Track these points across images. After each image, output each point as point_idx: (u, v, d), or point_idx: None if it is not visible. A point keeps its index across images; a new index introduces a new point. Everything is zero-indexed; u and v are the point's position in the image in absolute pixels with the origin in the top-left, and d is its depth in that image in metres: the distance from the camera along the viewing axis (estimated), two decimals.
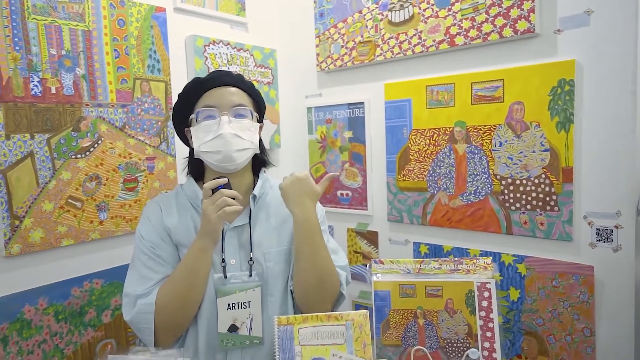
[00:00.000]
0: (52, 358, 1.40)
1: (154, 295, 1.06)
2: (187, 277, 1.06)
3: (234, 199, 1.04)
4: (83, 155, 1.46)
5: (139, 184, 1.61)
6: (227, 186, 1.05)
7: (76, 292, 1.45)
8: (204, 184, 1.19)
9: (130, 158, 1.58)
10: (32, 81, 1.34)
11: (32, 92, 1.34)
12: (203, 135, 1.10)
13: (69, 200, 1.43)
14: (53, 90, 1.39)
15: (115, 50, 1.54)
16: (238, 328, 1.11)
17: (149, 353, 0.93)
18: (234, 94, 1.13)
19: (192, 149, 1.18)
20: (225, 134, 1.07)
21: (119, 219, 1.55)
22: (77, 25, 1.44)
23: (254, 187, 1.20)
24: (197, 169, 1.22)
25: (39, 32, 1.35)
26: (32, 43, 1.34)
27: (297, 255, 1.12)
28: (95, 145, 1.49)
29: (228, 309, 1.11)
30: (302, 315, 1.01)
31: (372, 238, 1.94)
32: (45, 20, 1.37)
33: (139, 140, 1.61)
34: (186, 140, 1.22)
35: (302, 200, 1.11)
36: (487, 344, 0.98)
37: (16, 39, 1.31)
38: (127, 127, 1.57)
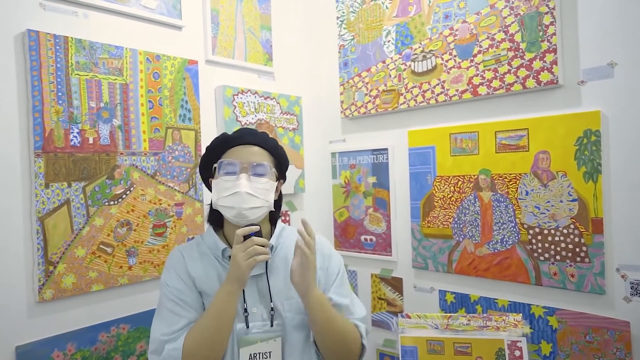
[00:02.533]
0: None
1: (182, 341, 1.09)
2: (215, 321, 1.09)
3: (264, 246, 1.07)
4: (115, 202, 1.51)
5: (168, 229, 1.65)
6: (258, 234, 1.09)
7: (103, 338, 1.47)
8: (223, 233, 1.23)
9: (160, 204, 1.63)
10: (72, 132, 1.42)
11: (72, 143, 1.41)
12: (221, 190, 1.15)
13: (101, 246, 1.47)
14: (91, 141, 1.46)
15: (149, 101, 1.62)
16: None
17: None
18: (255, 153, 1.19)
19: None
20: (241, 192, 1.12)
21: (147, 264, 1.58)
22: (116, 79, 1.53)
23: (270, 236, 1.23)
24: (216, 217, 1.26)
25: (80, 87, 1.44)
26: (74, 97, 1.42)
27: (313, 325, 1.14)
28: (128, 192, 1.54)
29: (250, 358, 1.11)
30: None
31: (396, 285, 1.91)
32: (87, 75, 1.46)
33: (169, 186, 1.66)
34: (211, 189, 1.27)
35: (309, 283, 1.10)
36: None
37: (60, 94, 1.39)
38: (158, 174, 1.63)
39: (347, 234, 2.07)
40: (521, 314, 0.99)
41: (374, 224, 1.98)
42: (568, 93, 1.44)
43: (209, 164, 1.22)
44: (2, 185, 1.29)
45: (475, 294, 1.64)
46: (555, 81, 1.42)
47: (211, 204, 1.26)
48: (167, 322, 1.13)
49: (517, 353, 0.96)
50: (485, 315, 1.02)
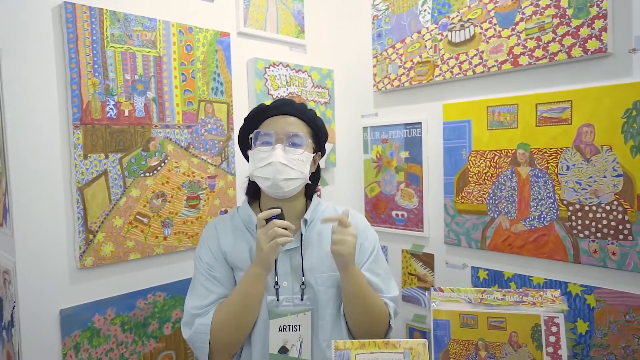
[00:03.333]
0: None
1: (210, 316, 1.11)
2: (241, 301, 1.10)
3: (286, 229, 1.06)
4: (151, 174, 1.54)
5: (201, 201, 1.67)
6: (280, 216, 1.09)
7: (141, 304, 1.52)
8: (259, 205, 1.24)
9: (194, 176, 1.65)
10: (108, 104, 1.44)
11: (108, 115, 1.44)
12: (257, 160, 1.15)
13: (137, 216, 1.51)
14: (126, 113, 1.48)
15: (182, 74, 1.62)
16: (288, 350, 1.13)
17: None
18: (291, 124, 1.17)
19: None
20: (276, 163, 1.11)
21: (182, 234, 1.62)
22: (150, 51, 1.54)
23: (306, 211, 1.22)
24: (254, 189, 1.27)
25: (115, 59, 1.46)
26: (109, 69, 1.44)
27: (346, 301, 1.14)
28: (162, 165, 1.57)
29: (279, 330, 1.13)
30: (360, 340, 1.01)
31: (427, 260, 1.89)
32: (122, 47, 1.47)
33: (202, 159, 1.67)
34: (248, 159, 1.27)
35: (348, 255, 1.10)
36: None
37: (96, 66, 1.41)
38: (191, 147, 1.64)
39: (378, 210, 2.06)
40: (559, 290, 0.97)
41: (406, 200, 1.95)
42: (617, 62, 1.35)
43: (246, 134, 1.22)
44: (43, 156, 1.33)
45: (509, 271, 1.61)
46: (603, 49, 1.34)
47: (249, 177, 1.27)
48: (198, 295, 1.16)
49: (554, 329, 0.94)
50: (521, 290, 0.99)
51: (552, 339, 0.94)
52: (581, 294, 1.43)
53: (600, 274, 1.40)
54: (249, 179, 1.26)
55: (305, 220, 1.20)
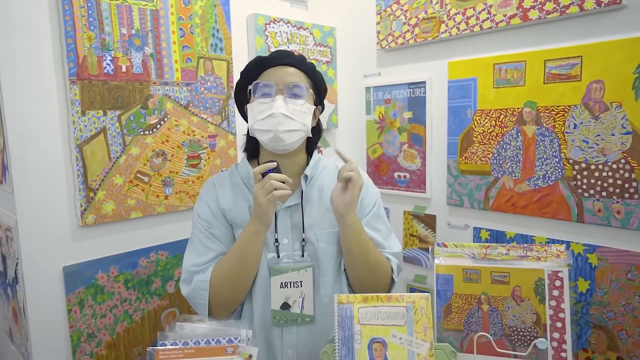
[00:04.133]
0: (122, 322, 1.49)
1: (209, 273, 1.10)
2: (240, 258, 1.09)
3: (283, 182, 1.04)
4: (150, 132, 1.51)
5: (202, 161, 1.65)
6: (276, 170, 1.05)
7: (143, 262, 1.53)
8: (258, 162, 1.21)
9: (194, 135, 1.63)
10: (105, 60, 1.40)
11: (105, 71, 1.40)
12: (257, 113, 1.10)
13: (138, 175, 1.49)
14: (124, 69, 1.44)
15: (180, 29, 1.57)
16: (290, 306, 1.13)
17: (215, 322, 0.97)
18: (291, 74, 1.12)
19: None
20: (277, 114, 1.07)
21: (183, 194, 1.61)
22: (146, 4, 1.48)
23: (306, 167, 1.20)
24: (252, 146, 1.23)
25: (111, 12, 1.40)
26: (105, 22, 1.39)
27: (346, 254, 1.13)
28: (162, 123, 1.54)
29: (281, 287, 1.13)
30: (362, 295, 1.01)
31: (429, 222, 1.89)
32: (117, 0, 1.42)
33: (202, 118, 1.64)
34: (246, 117, 1.23)
35: (349, 205, 1.08)
36: (556, 335, 0.93)
37: (91, 19, 1.36)
38: (191, 105, 1.61)
39: (380, 171, 2.04)
40: (564, 245, 0.96)
41: (409, 161, 1.93)
42: (632, 14, 1.30)
43: (244, 87, 1.17)
44: (40, 112, 1.31)
45: (511, 231, 1.61)
46: (618, 1, 1.29)
47: (248, 132, 1.23)
48: (197, 252, 1.14)
49: (558, 283, 0.94)
50: (525, 245, 0.98)
51: (556, 292, 0.94)
52: (583, 253, 1.43)
53: (603, 233, 1.40)
54: (247, 135, 1.23)
55: (306, 176, 1.18)
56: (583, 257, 1.43)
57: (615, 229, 1.37)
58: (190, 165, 1.63)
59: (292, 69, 1.13)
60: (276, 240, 1.14)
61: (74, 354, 1.39)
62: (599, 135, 1.37)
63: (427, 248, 1.90)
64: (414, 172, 1.91)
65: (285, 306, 1.13)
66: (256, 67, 1.14)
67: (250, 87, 1.14)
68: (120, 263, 1.48)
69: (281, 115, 1.06)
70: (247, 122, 1.24)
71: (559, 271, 0.94)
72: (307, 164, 1.21)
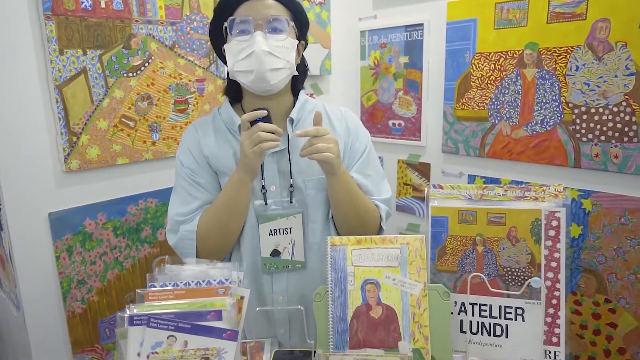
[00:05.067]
0: (112, 269, 1.48)
1: (196, 223, 1.06)
2: (227, 207, 1.05)
3: (273, 133, 0.97)
4: (134, 74, 1.44)
5: (190, 105, 1.59)
6: (266, 118, 0.98)
7: (132, 210, 1.50)
8: (241, 106, 1.13)
9: (181, 79, 1.56)
10: None
11: (83, 6, 1.31)
12: (236, 53, 1.02)
13: (123, 120, 1.44)
14: (102, 4, 1.35)
15: None
16: (280, 253, 1.11)
17: (204, 264, 0.95)
18: (270, 7, 1.02)
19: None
20: (258, 52, 0.99)
21: (171, 140, 1.56)
22: None
23: (292, 109, 1.13)
24: (234, 90, 1.14)
25: None
26: None
27: (335, 203, 1.09)
28: (146, 64, 1.47)
29: (270, 234, 1.10)
30: (356, 237, 0.99)
31: (423, 170, 1.87)
32: None
33: (189, 60, 1.57)
34: (225, 60, 1.13)
35: (337, 164, 1.02)
36: (550, 274, 0.92)
37: None
38: (176, 46, 1.53)
39: (374, 119, 1.99)
40: (563, 184, 0.94)
41: (404, 108, 1.88)
42: None
43: (219, 26, 1.07)
44: (14, 50, 1.23)
45: (506, 178, 1.59)
46: None
47: (227, 75, 1.15)
48: (182, 201, 1.09)
49: (555, 223, 0.92)
50: (523, 185, 0.96)
51: (552, 232, 0.92)
52: (578, 199, 1.42)
53: (599, 178, 1.38)
54: (228, 78, 1.14)
55: (292, 120, 1.12)
56: (577, 202, 1.42)
57: (611, 174, 1.35)
58: (178, 110, 1.56)
59: (269, 1, 1.02)
60: (263, 187, 1.09)
61: (65, 300, 1.38)
62: (601, 77, 1.32)
63: (421, 197, 1.89)
64: (408, 120, 1.87)
65: (275, 253, 1.11)
66: (230, 2, 1.05)
67: (225, 24, 1.05)
68: (108, 210, 1.44)
69: (263, 52, 0.99)
70: (226, 64, 1.16)
71: (557, 211, 0.92)
72: (294, 106, 1.14)
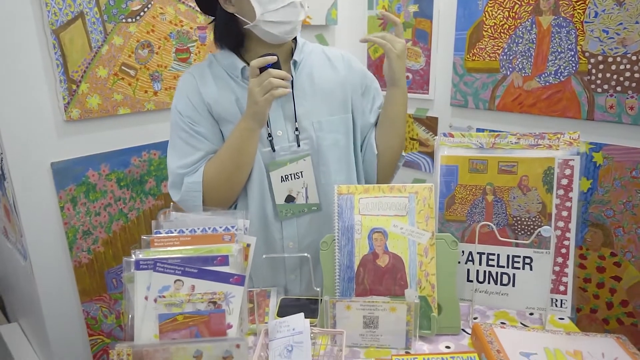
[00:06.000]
0: (117, 221, 1.48)
1: (201, 174, 1.04)
2: (233, 156, 1.02)
3: (282, 79, 0.94)
4: (133, 20, 1.39)
5: (191, 55, 1.54)
6: (275, 65, 0.94)
7: (135, 162, 1.48)
8: (241, 53, 1.08)
9: (182, 26, 1.50)
10: None
11: None
12: (268, 2, 0.96)
13: (123, 68, 1.39)
14: None
15: None
16: (294, 198, 1.09)
17: (210, 212, 0.94)
18: None
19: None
20: (296, 3, 0.97)
21: (173, 90, 1.52)
22: None
23: (292, 53, 1.09)
24: (233, 36, 1.07)
25: None
26: None
27: (391, 120, 1.12)
28: (145, 10, 1.41)
29: (282, 181, 1.08)
30: (363, 185, 0.97)
31: (431, 124, 1.83)
32: None
33: (190, 7, 1.50)
34: (211, 6, 1.06)
35: (399, 73, 1.08)
36: (561, 224, 0.91)
37: None
38: None
39: (381, 73, 1.93)
40: (579, 132, 0.91)
41: (412, 60, 1.82)
42: None
43: None
44: None
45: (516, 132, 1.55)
46: None
47: (223, 22, 1.08)
48: (183, 154, 1.06)
49: (568, 172, 0.90)
50: (537, 133, 0.93)
51: (565, 181, 0.90)
52: (589, 152, 1.39)
53: (612, 131, 1.35)
54: (225, 26, 1.07)
55: (295, 62, 1.08)
56: (588, 155, 1.39)
57: (625, 126, 1.32)
58: (179, 59, 1.52)
59: None
60: (269, 134, 1.07)
61: (71, 250, 1.39)
62: (621, 23, 1.26)
63: (427, 152, 1.86)
64: (417, 72, 1.81)
65: (290, 199, 1.09)
66: None
67: None
68: (111, 161, 1.43)
69: (298, 3, 0.96)
70: (208, 10, 1.09)
71: (570, 159, 0.90)
72: (292, 50, 1.10)
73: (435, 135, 1.81)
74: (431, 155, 1.86)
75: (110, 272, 1.48)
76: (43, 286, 1.37)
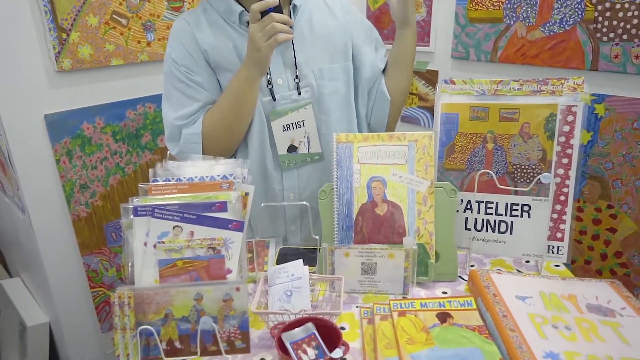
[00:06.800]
0: (114, 175, 1.47)
1: (199, 125, 1.01)
2: (233, 106, 0.99)
3: (285, 24, 0.90)
4: None
5: (185, 3, 1.49)
6: (277, 9, 0.90)
7: (130, 115, 1.46)
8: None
9: None
10: None
11: None
12: None
13: (114, 16, 1.35)
14: None
15: None
16: (297, 147, 1.08)
17: (208, 160, 0.93)
18: None
19: None
20: None
21: (167, 41, 1.47)
22: None
23: None
24: None
25: None
26: None
27: (403, 62, 1.13)
28: None
29: (283, 130, 1.07)
30: (363, 134, 0.96)
31: (430, 78, 1.80)
32: None
33: None
34: None
35: (409, 13, 1.06)
36: (561, 171, 0.90)
37: None
38: None
39: (381, 24, 1.88)
40: (583, 77, 0.89)
41: None
42: None
43: None
44: None
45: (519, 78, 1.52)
46: None
47: None
48: (180, 105, 1.03)
49: (570, 118, 0.88)
50: (540, 79, 0.91)
51: (566, 128, 0.89)
52: (591, 104, 1.37)
53: (616, 81, 1.32)
54: None
55: (295, 7, 1.04)
56: (590, 107, 1.37)
57: (629, 76, 1.29)
58: (172, 8, 1.46)
59: None
60: (269, 82, 1.04)
61: (69, 204, 1.39)
62: None
63: (427, 107, 1.84)
64: (417, 24, 1.76)
65: (292, 149, 1.08)
66: None
67: None
68: (105, 114, 1.40)
69: None
70: None
71: (573, 105, 0.88)
72: None
73: (435, 89, 1.78)
74: (431, 110, 1.84)
75: (109, 226, 1.49)
76: (43, 240, 1.38)
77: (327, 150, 1.09)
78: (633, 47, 1.25)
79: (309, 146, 1.07)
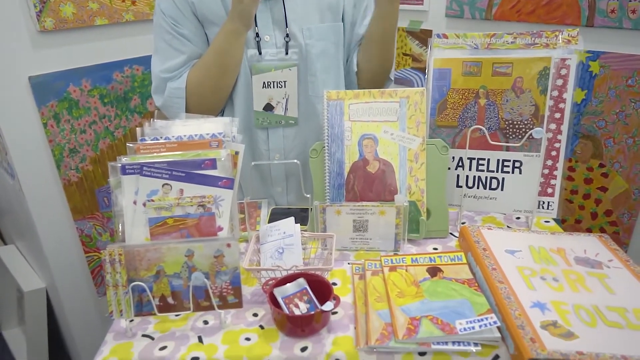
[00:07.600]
0: (104, 139, 1.45)
1: (184, 79, 1.00)
2: (218, 60, 0.98)
3: None
4: None
5: None
6: None
7: (118, 77, 1.43)
8: None
9: None
10: None
11: None
12: None
13: None
14: None
15: None
16: (274, 107, 1.06)
17: (196, 118, 0.91)
18: None
19: None
20: None
21: None
22: None
23: None
24: None
25: None
26: None
27: (381, 38, 1.05)
28: None
29: (263, 87, 1.04)
30: (354, 91, 0.94)
31: (424, 38, 1.76)
32: None
33: None
34: None
35: None
36: (553, 126, 0.90)
37: None
38: None
39: None
40: (578, 29, 0.87)
41: None
42: None
43: None
44: None
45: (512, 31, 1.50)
46: None
47: None
48: (166, 57, 1.02)
49: (564, 72, 0.87)
50: (535, 32, 0.89)
51: (559, 82, 0.88)
52: (585, 61, 1.35)
53: (612, 37, 1.30)
54: None
55: None
56: (585, 65, 1.36)
57: (625, 32, 1.27)
58: None
59: None
60: (257, 34, 1.02)
61: (59, 169, 1.37)
62: None
63: (420, 68, 1.81)
64: None
65: (269, 107, 1.06)
66: None
67: None
68: (92, 76, 1.37)
69: None
70: None
71: (567, 58, 0.87)
72: None
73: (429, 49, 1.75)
74: (425, 71, 1.81)
75: (100, 191, 1.48)
76: (34, 206, 1.37)
77: (304, 117, 1.08)
78: (630, 1, 1.23)
79: (286, 109, 1.06)
